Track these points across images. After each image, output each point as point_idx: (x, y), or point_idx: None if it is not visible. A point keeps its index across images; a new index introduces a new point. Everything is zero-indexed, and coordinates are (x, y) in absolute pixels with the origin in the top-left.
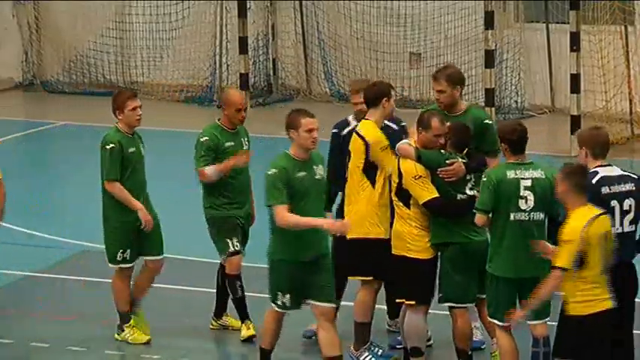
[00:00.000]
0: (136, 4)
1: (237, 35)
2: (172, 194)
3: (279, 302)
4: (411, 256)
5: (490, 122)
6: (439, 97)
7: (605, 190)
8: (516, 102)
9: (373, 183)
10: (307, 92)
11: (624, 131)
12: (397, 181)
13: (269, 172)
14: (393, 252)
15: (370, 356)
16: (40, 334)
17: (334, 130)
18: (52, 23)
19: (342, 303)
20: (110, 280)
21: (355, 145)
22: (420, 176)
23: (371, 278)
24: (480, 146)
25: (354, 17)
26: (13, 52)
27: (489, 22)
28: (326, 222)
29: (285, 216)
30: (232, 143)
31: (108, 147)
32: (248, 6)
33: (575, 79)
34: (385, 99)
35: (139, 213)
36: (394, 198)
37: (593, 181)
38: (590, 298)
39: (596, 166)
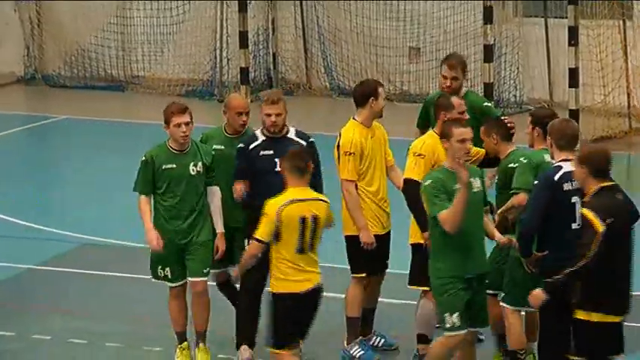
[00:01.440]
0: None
1: (237, 30)
2: None
3: (447, 324)
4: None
5: (489, 104)
6: (452, 84)
7: (567, 186)
8: (515, 96)
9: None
10: (307, 86)
11: (622, 125)
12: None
13: (425, 184)
14: (410, 241)
15: (360, 350)
16: (42, 326)
17: (241, 145)
18: (53, 18)
19: (335, 295)
20: (110, 273)
21: (336, 143)
22: (420, 155)
23: (364, 275)
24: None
25: (354, 12)
26: (14, 46)
27: (488, 16)
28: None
29: (448, 215)
30: (222, 147)
31: (141, 159)
32: (248, 1)
33: (573, 74)
34: (372, 98)
35: (146, 233)
36: None
37: (556, 177)
38: (282, 276)
39: (561, 160)
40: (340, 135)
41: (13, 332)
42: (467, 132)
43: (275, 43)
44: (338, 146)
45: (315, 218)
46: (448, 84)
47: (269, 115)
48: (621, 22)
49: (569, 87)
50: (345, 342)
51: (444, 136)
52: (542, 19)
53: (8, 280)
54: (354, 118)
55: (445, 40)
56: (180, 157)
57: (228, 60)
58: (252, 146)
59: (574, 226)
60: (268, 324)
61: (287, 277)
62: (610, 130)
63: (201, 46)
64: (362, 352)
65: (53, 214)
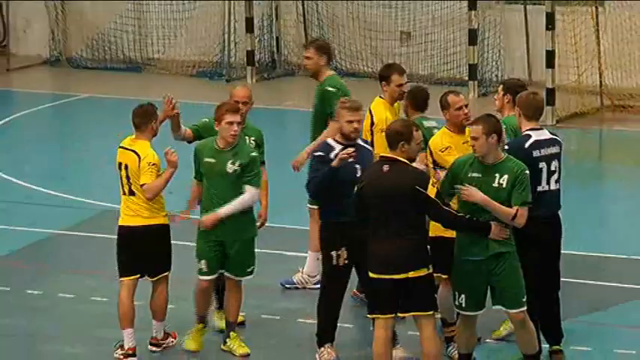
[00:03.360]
0: None
1: (244, 16)
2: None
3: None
4: (447, 235)
5: (331, 90)
6: (306, 63)
7: (536, 153)
8: (497, 76)
9: None
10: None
11: (594, 102)
12: (431, 160)
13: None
14: (429, 234)
15: None
16: (67, 286)
17: (320, 153)
18: (76, 5)
19: None
20: None
21: (366, 122)
22: (448, 147)
23: None
24: (324, 109)
25: (351, 0)
26: (41, 31)
27: (472, 3)
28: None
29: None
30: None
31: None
32: None
33: (550, 55)
34: (383, 82)
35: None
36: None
37: (526, 145)
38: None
39: (529, 129)
40: (371, 113)
41: (41, 291)
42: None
43: (278, 28)
44: (372, 124)
45: (126, 166)
46: (304, 62)
47: (351, 121)
48: (594, 8)
49: (547, 67)
50: (356, 289)
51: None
52: (522, 5)
53: (36, 243)
54: (380, 96)
55: (433, 25)
56: (221, 153)
57: (235, 44)
58: (332, 155)
59: (539, 188)
60: None
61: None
62: (583, 107)
63: (210, 31)
64: None
65: (77, 183)
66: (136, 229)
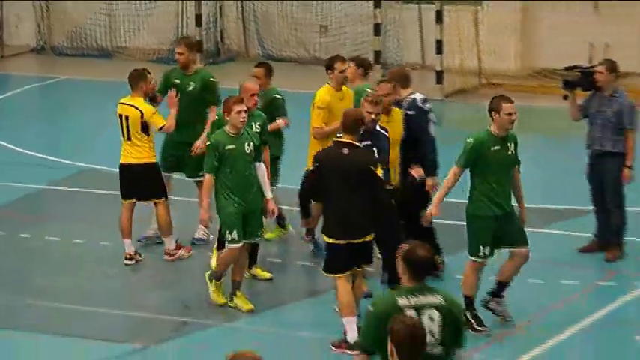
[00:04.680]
0: None
1: (194, 13)
2: None
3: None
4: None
5: (213, 80)
6: (178, 57)
7: (426, 107)
8: (396, 60)
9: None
10: (245, 55)
11: (474, 81)
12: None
13: (468, 140)
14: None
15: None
16: (51, 231)
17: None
18: (58, 4)
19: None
20: (104, 191)
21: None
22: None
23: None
24: (205, 97)
25: (280, 1)
26: (30, 25)
27: (377, 3)
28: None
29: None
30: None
31: (207, 143)
32: None
33: (439, 44)
34: (329, 70)
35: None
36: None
37: (418, 102)
38: None
39: (409, 93)
40: (315, 94)
41: (30, 234)
42: (512, 107)
43: (222, 23)
44: (313, 103)
45: (127, 117)
46: (176, 58)
47: (371, 113)
48: (474, 6)
49: (436, 54)
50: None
51: (495, 109)
52: (417, 5)
53: (27, 196)
54: (328, 83)
55: (346, 20)
56: (236, 138)
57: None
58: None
59: (432, 134)
60: None
61: None
62: (466, 85)
63: (167, 25)
64: (317, 250)
65: (59, 147)
66: (131, 166)
